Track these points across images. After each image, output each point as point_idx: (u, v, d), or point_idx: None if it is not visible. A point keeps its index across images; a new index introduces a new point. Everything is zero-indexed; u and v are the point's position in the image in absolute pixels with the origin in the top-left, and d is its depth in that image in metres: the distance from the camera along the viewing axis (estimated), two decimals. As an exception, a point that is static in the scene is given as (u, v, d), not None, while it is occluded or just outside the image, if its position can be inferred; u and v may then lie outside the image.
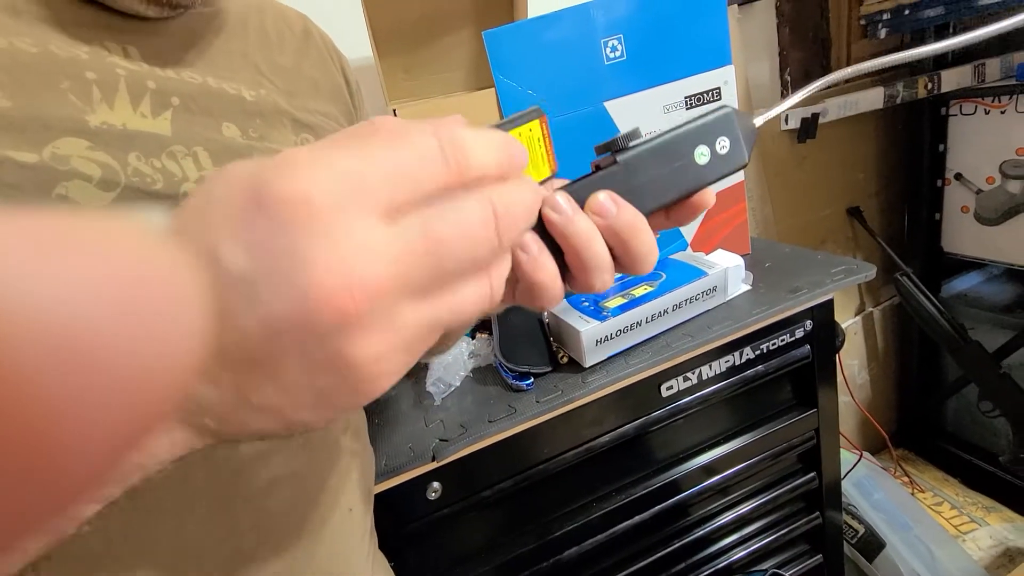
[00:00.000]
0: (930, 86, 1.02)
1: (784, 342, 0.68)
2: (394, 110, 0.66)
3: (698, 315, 0.65)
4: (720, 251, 0.73)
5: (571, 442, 0.61)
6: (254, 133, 0.32)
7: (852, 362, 1.31)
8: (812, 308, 0.68)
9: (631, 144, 0.24)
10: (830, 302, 0.69)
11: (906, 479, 1.23)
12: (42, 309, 0.09)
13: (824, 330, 0.69)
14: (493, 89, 0.66)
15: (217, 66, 0.32)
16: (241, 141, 0.32)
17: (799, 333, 0.68)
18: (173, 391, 0.11)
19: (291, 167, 0.14)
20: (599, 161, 0.25)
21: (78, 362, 0.09)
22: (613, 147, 0.24)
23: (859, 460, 1.02)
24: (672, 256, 0.74)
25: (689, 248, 0.78)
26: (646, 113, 0.70)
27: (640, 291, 0.63)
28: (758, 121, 0.27)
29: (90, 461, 0.10)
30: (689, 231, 0.78)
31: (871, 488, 1.05)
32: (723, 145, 0.25)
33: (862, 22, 1.07)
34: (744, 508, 0.75)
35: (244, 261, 0.13)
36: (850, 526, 1.03)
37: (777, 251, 0.79)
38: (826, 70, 1.15)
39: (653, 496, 0.68)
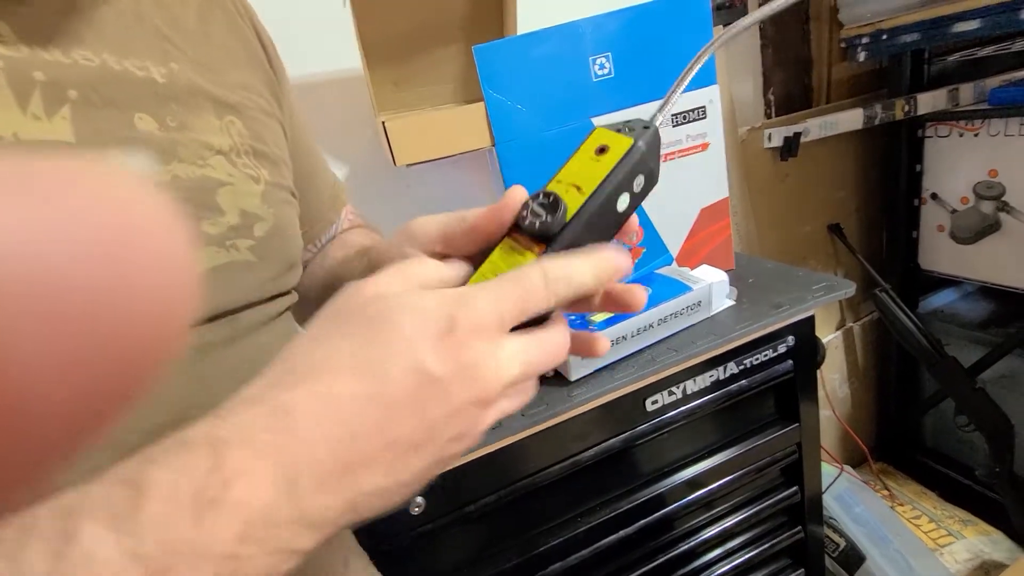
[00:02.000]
0: (907, 108, 1.06)
1: (767, 357, 0.68)
2: (383, 122, 0.67)
3: (683, 329, 0.66)
4: (705, 266, 0.74)
5: (556, 456, 0.61)
6: (172, 122, 0.28)
7: (833, 376, 1.33)
8: (794, 324, 0.69)
9: (559, 231, 0.24)
10: (811, 318, 0.70)
11: (886, 492, 1.24)
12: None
13: (806, 346, 0.71)
14: (483, 103, 0.66)
15: (111, 37, 0.27)
16: (160, 134, 0.27)
17: (782, 348, 0.69)
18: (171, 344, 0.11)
19: (472, 307, 0.20)
20: (532, 246, 0.26)
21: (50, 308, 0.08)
22: (545, 237, 0.24)
23: (840, 474, 1.04)
24: (657, 271, 0.75)
25: (674, 263, 0.79)
26: (633, 130, 0.71)
27: (626, 305, 0.63)
28: (657, 121, 0.27)
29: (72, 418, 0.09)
30: (674, 246, 0.79)
31: (852, 502, 1.06)
32: (639, 182, 0.26)
33: (842, 45, 1.10)
34: (728, 522, 0.75)
35: (442, 368, 0.19)
36: (831, 540, 1.04)
37: (760, 267, 0.81)
38: (808, 90, 1.19)
39: (638, 510, 0.68)
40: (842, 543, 1.01)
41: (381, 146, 0.76)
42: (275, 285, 0.34)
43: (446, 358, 0.19)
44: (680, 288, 0.65)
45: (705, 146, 0.76)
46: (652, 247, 0.78)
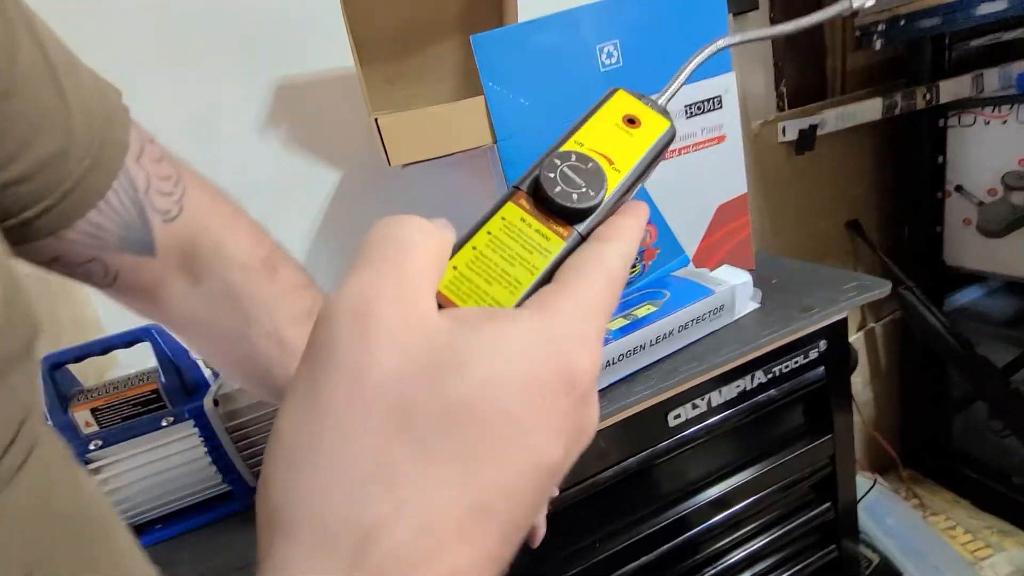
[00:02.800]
0: (928, 96, 1.00)
1: (797, 364, 0.63)
2: (376, 119, 0.62)
3: (705, 336, 0.61)
4: (726, 267, 0.69)
5: (571, 478, 0.56)
6: None
7: (855, 379, 1.27)
8: (826, 328, 0.63)
9: (596, 211, 0.19)
10: (844, 321, 0.65)
11: (916, 501, 1.18)
12: None
13: (838, 350, 0.65)
14: (482, 97, 0.62)
15: None
16: None
17: (813, 354, 0.64)
18: None
19: (582, 346, 0.15)
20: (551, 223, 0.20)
21: None
22: (579, 215, 0.19)
23: (873, 485, 0.98)
24: (674, 274, 0.70)
25: (691, 264, 0.74)
26: (644, 122, 0.66)
27: (643, 311, 0.58)
28: (662, 99, 0.23)
29: None
30: (690, 246, 0.74)
31: (883, 513, 1.00)
32: (651, 172, 0.22)
33: (857, 33, 1.05)
34: (756, 544, 0.70)
35: (564, 454, 0.15)
36: (863, 555, 0.97)
37: (783, 266, 0.75)
38: (822, 81, 1.14)
39: (660, 534, 0.62)
40: (875, 559, 0.95)
41: (376, 148, 0.72)
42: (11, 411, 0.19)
43: (568, 440, 0.15)
44: (701, 292, 0.60)
45: (721, 139, 0.71)
46: (667, 248, 0.72)
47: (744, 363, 0.60)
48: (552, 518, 0.55)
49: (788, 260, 0.77)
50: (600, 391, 0.55)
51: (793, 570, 0.73)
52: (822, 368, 0.65)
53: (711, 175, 0.72)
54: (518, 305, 0.17)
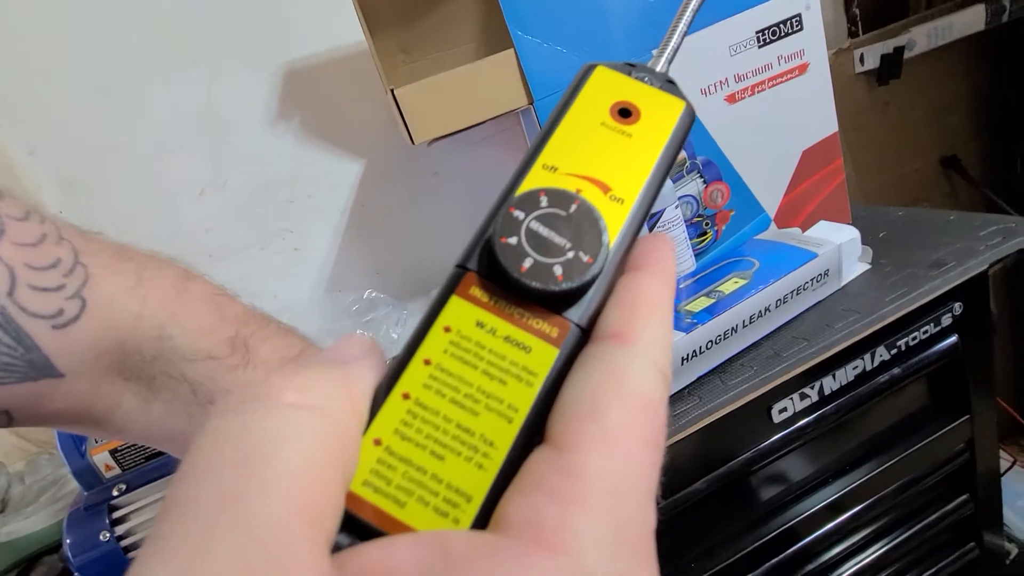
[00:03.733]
0: (1047, -6, 0.83)
1: (927, 334, 0.51)
2: (392, 91, 0.54)
3: (808, 309, 0.50)
4: (823, 223, 0.57)
5: (659, 494, 0.46)
6: None
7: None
8: (962, 286, 0.51)
9: (589, 282, 0.12)
10: (984, 276, 0.52)
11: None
12: None
13: (977, 313, 0.53)
14: (511, 51, 0.52)
15: None
16: None
17: (946, 320, 0.51)
18: None
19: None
20: (529, 319, 0.12)
21: None
22: (557, 301, 0.12)
23: (1012, 466, 0.83)
24: (757, 238, 0.58)
25: (773, 225, 0.63)
26: (708, 58, 0.55)
27: (730, 286, 0.48)
28: (661, 66, 0.16)
29: None
30: (771, 203, 0.62)
31: (1016, 493, 0.85)
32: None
33: (947, -71, 0.88)
34: (878, 550, 0.59)
35: None
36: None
37: (887, 216, 0.63)
38: (903, 6, 0.97)
39: (766, 548, 0.52)
40: (1013, 549, 0.81)
41: (397, 128, 0.64)
42: None
43: None
44: (799, 255, 0.49)
45: (803, 68, 0.59)
46: (743, 208, 0.61)
47: (861, 339, 0.49)
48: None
49: (893, 208, 0.64)
50: (685, 389, 0.46)
51: (925, 575, 0.62)
52: (955, 336, 0.53)
53: (793, 114, 0.59)
54: (492, 497, 0.10)
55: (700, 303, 0.46)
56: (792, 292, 0.48)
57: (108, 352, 0.23)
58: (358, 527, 0.10)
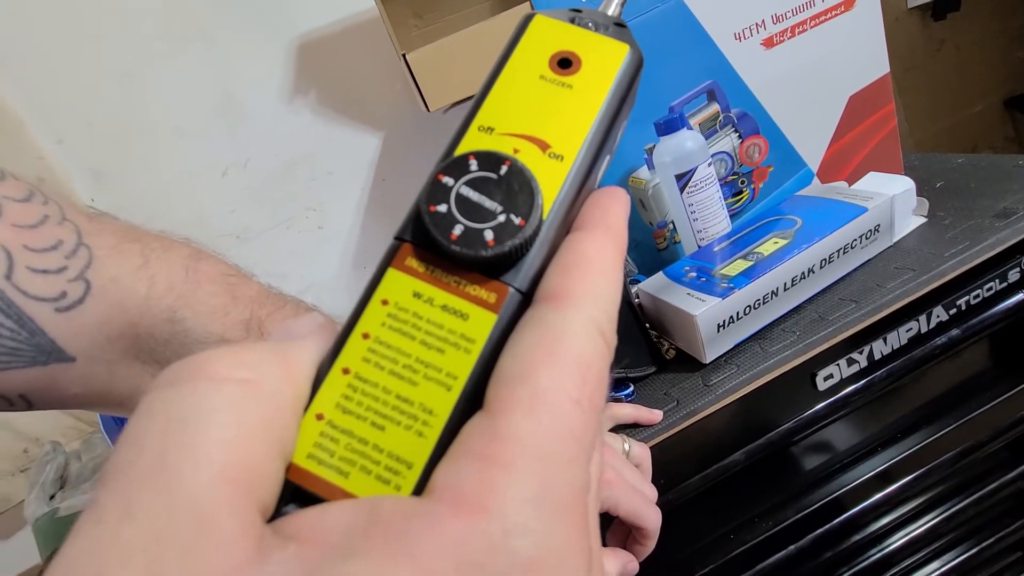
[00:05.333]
0: None
1: (991, 291, 0.47)
2: (404, 56, 0.51)
3: (857, 268, 0.46)
4: (872, 175, 0.52)
5: (696, 465, 0.45)
6: None
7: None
8: (1031, 237, 0.46)
9: (532, 240, 0.12)
10: (1057, 225, 0.47)
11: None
12: None
13: (1049, 267, 0.48)
14: (527, 3, 0.49)
15: None
16: None
17: (1013, 276, 0.47)
18: None
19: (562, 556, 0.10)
20: (466, 287, 0.12)
21: None
22: (492, 267, 0.12)
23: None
24: (800, 193, 0.54)
25: (816, 180, 0.58)
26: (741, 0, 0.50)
27: (770, 247, 0.45)
28: (612, 9, 0.15)
29: None
30: (814, 155, 0.58)
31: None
32: (622, 123, 0.14)
33: None
34: (932, 519, 0.56)
35: None
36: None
37: (945, 164, 0.57)
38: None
39: (809, 519, 0.50)
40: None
41: (414, 97, 0.61)
42: None
43: None
44: (847, 211, 0.45)
45: (850, 3, 0.53)
46: (783, 163, 0.57)
47: (916, 299, 0.45)
48: (676, 513, 0.46)
49: (951, 156, 0.59)
50: (722, 357, 0.43)
51: (979, 547, 0.59)
52: (1023, 293, 0.49)
53: (838, 56, 0.54)
54: (432, 464, 0.10)
55: (737, 266, 0.44)
56: (839, 251, 0.44)
57: (121, 335, 0.22)
58: (304, 498, 0.10)
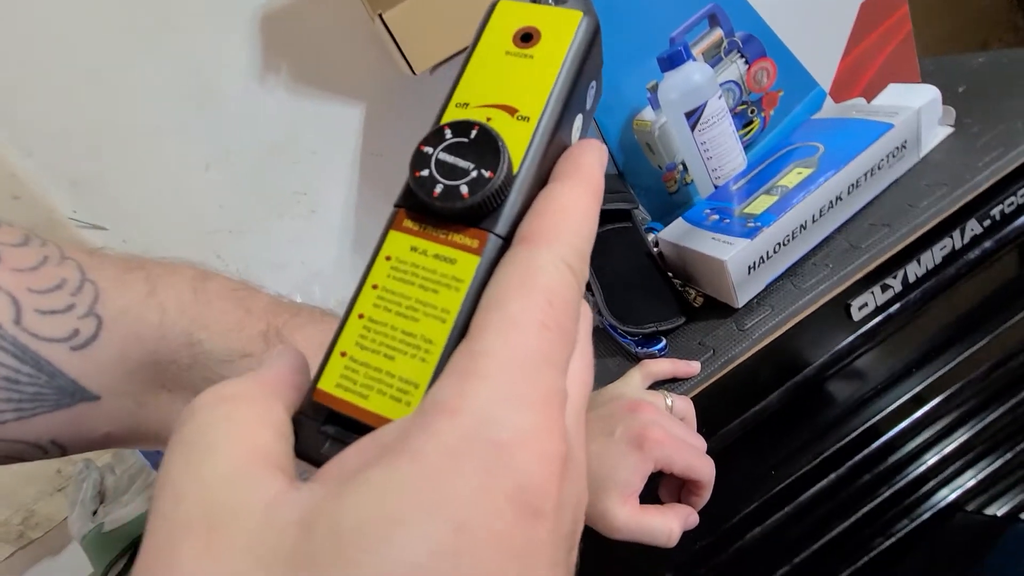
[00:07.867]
0: None
1: (1024, 199, 0.45)
2: (380, 16, 0.47)
3: (885, 190, 0.44)
4: (892, 87, 0.49)
5: (734, 409, 0.44)
6: None
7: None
8: (1067, 136, 0.44)
9: (506, 192, 0.14)
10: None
11: None
12: None
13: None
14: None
15: None
16: None
17: (1048, 178, 0.45)
18: None
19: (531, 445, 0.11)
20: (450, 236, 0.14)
21: None
22: (480, 211, 0.13)
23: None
24: (816, 117, 0.52)
25: (829, 100, 0.55)
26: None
27: (794, 178, 0.42)
28: None
29: None
30: (824, 73, 0.55)
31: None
32: (592, 93, 0.17)
33: None
34: (964, 433, 0.56)
35: None
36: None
37: (965, 66, 0.54)
38: None
39: (848, 447, 0.50)
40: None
41: (395, 60, 0.57)
42: None
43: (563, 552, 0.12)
44: (872, 129, 0.43)
45: (857, -103, 0.49)
46: (793, 85, 0.54)
47: (950, 215, 0.43)
48: (717, 457, 0.46)
49: (969, 56, 0.55)
50: (754, 299, 0.42)
51: (1007, 457, 0.59)
52: (1056, 194, 0.47)
53: (847, -40, 0.50)
54: (434, 381, 0.12)
55: (762, 203, 0.42)
56: (866, 173, 0.42)
57: (141, 366, 0.21)
58: (336, 417, 0.13)
